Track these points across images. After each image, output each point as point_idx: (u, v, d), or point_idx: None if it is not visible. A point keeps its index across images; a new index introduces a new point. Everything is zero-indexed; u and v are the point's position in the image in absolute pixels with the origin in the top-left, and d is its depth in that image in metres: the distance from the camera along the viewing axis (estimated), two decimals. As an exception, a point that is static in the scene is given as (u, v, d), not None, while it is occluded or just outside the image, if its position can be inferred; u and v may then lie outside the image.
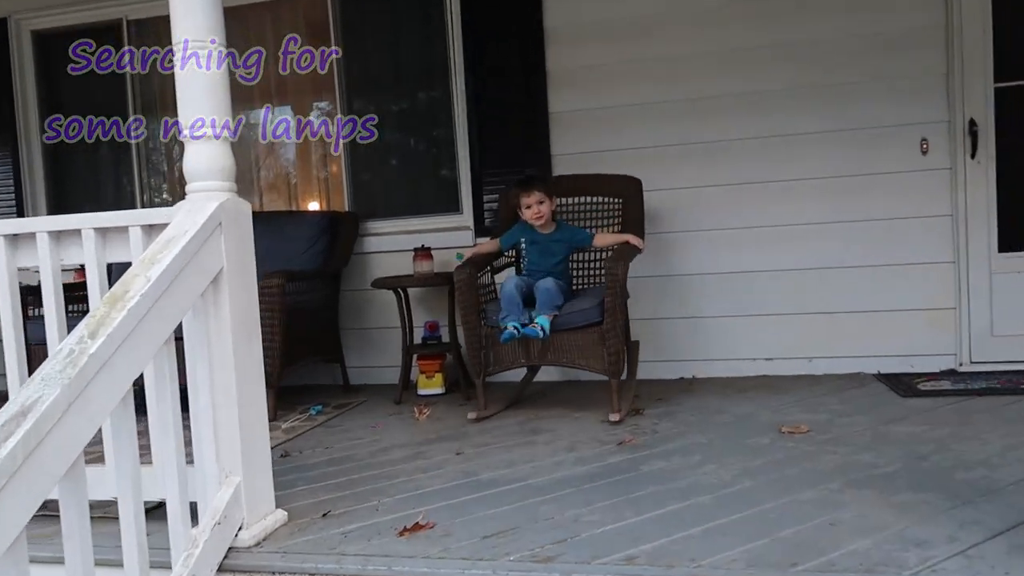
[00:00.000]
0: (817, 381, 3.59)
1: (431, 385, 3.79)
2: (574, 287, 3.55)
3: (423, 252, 3.88)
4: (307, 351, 3.76)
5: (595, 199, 3.72)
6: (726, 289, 3.80)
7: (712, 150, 3.79)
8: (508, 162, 4.00)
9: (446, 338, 3.86)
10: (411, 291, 3.91)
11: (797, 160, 3.71)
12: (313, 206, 4.55)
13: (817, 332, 3.73)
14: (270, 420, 3.40)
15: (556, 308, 3.15)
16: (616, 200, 3.67)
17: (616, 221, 3.66)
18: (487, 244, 3.57)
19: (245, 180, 4.63)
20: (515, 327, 3.11)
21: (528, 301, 3.22)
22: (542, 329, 3.08)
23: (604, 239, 3.45)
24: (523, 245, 3.46)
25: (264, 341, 3.29)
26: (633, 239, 3.30)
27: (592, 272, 3.67)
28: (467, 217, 4.15)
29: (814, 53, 3.67)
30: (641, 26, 3.84)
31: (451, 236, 4.10)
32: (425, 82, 4.34)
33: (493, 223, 4.03)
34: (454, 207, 4.23)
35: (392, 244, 4.18)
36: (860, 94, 3.64)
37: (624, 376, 3.27)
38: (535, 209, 3.35)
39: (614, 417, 3.09)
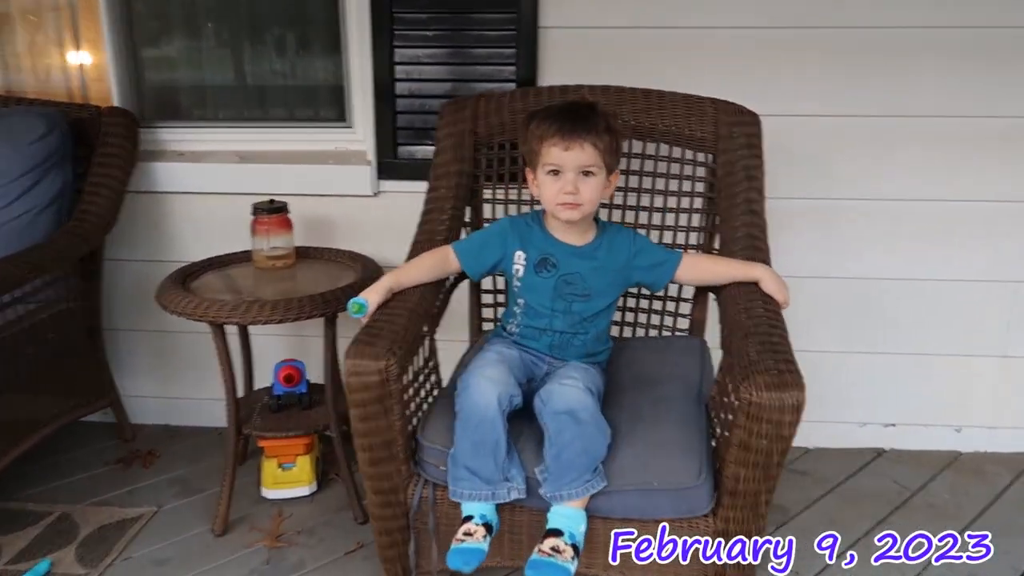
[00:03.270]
0: (979, 471, 2.07)
1: (290, 480, 1.96)
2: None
3: (273, 215, 1.90)
4: (23, 430, 1.79)
5: (649, 152, 1.74)
6: (816, 305, 2.11)
7: (804, 41, 1.94)
8: (445, 35, 1.98)
9: (317, 383, 1.99)
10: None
11: (965, 82, 1.95)
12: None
13: (977, 386, 2.17)
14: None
15: (592, 472, 1.28)
16: (697, 157, 1.71)
17: (694, 204, 1.72)
18: (425, 259, 1.53)
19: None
20: (485, 524, 1.30)
21: (517, 422, 1.37)
22: (573, 549, 1.26)
23: (699, 267, 1.55)
24: (518, 268, 1.49)
25: None
26: (768, 277, 1.43)
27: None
28: (362, 135, 2.15)
29: None
30: None
31: (329, 174, 2.12)
32: None
33: (408, 157, 2.07)
34: (335, 114, 2.21)
35: (211, 179, 2.14)
36: None
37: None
38: (568, 183, 1.38)
39: None
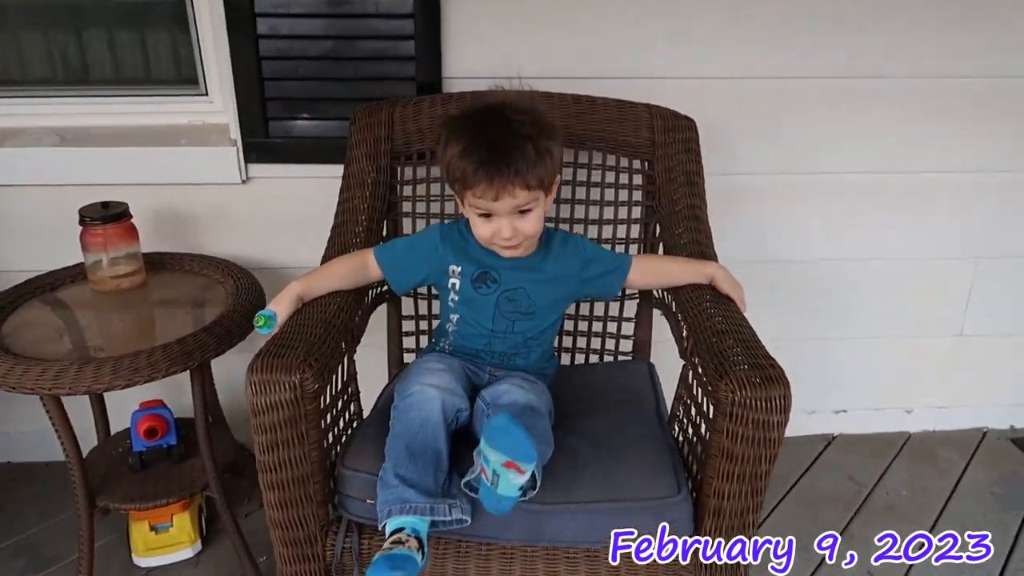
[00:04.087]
0: (931, 457, 1.95)
1: (168, 543, 1.61)
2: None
3: (109, 224, 1.47)
4: None
5: (582, 160, 1.49)
6: (762, 291, 1.87)
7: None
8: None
9: (187, 418, 1.60)
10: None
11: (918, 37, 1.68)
12: None
13: (930, 366, 2.02)
14: None
15: (533, 455, 1.00)
16: (633, 164, 1.48)
17: (632, 214, 1.49)
18: (340, 264, 1.27)
19: None
20: (418, 539, 1.01)
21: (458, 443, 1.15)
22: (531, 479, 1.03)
23: (650, 269, 1.32)
24: (453, 283, 1.24)
25: None
26: (723, 276, 1.25)
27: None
28: (222, 105, 1.69)
29: None
30: None
31: (182, 157, 1.65)
32: None
33: (282, 135, 1.65)
34: (185, 76, 1.72)
35: (21, 167, 1.64)
36: None
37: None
38: (503, 227, 1.14)
39: None
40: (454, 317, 1.26)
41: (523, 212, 1.13)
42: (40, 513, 1.76)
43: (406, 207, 1.50)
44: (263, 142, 1.64)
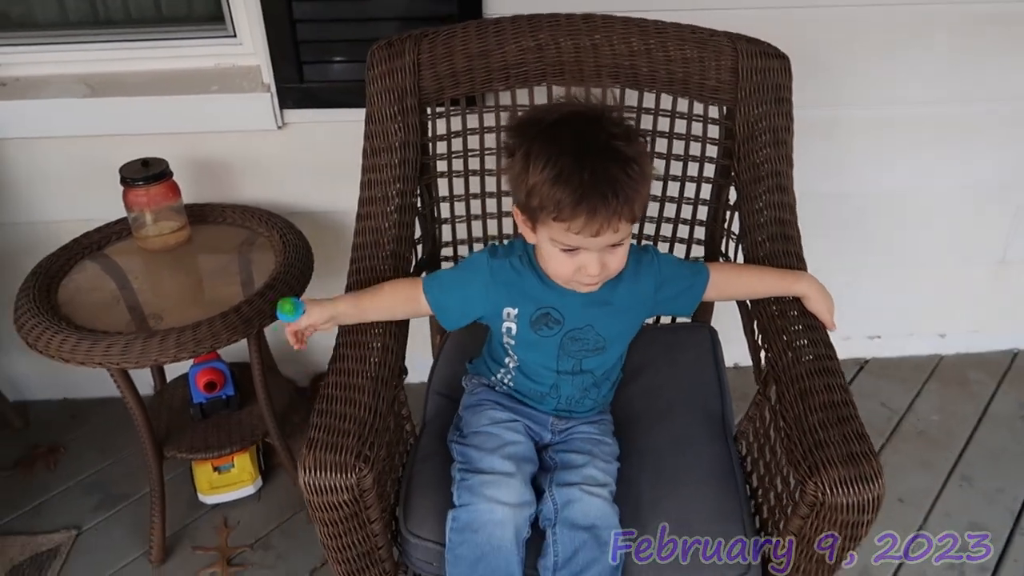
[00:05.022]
0: (962, 381, 1.99)
1: (230, 482, 1.69)
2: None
3: (152, 185, 1.45)
4: None
5: (646, 105, 1.32)
6: (805, 224, 1.83)
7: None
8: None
9: (241, 362, 1.64)
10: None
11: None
12: None
13: (968, 292, 2.02)
14: None
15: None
16: (709, 112, 1.32)
17: (701, 171, 1.35)
18: (394, 294, 1.12)
19: None
20: None
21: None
22: None
23: (730, 284, 1.18)
24: (509, 326, 1.09)
25: None
26: (815, 295, 1.11)
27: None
28: (252, 47, 1.62)
29: None
30: None
31: (214, 105, 1.60)
32: None
33: (317, 79, 1.58)
34: (210, 17, 1.64)
35: (51, 119, 1.59)
36: None
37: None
38: (591, 263, 0.97)
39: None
40: (513, 355, 1.13)
41: (618, 243, 0.97)
42: (101, 451, 1.84)
43: (440, 166, 1.34)
44: (298, 87, 1.58)
